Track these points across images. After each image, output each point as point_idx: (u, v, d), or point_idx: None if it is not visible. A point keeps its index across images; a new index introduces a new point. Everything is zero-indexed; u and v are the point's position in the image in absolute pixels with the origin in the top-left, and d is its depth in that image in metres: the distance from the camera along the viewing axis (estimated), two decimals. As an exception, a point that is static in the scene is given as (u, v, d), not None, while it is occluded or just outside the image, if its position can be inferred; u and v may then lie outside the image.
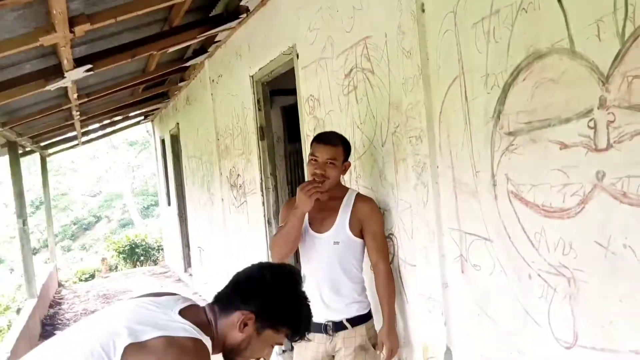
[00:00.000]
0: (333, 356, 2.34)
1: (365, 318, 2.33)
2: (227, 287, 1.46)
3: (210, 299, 1.49)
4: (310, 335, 2.34)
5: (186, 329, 1.30)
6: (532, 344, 1.65)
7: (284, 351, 4.14)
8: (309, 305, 1.45)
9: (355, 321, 2.30)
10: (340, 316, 2.29)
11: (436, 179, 2.04)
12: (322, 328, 2.30)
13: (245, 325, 1.36)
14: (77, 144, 9.49)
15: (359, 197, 2.35)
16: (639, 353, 1.31)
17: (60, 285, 9.66)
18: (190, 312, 1.37)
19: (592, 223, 1.41)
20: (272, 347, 1.44)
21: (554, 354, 1.56)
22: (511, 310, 1.72)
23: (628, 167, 1.30)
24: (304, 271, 2.41)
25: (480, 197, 1.82)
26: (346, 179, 2.69)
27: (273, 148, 4.14)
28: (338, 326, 2.29)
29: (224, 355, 1.43)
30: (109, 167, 23.57)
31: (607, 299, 1.39)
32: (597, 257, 1.40)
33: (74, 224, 22.48)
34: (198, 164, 6.39)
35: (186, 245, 8.07)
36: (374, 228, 2.30)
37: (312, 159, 2.30)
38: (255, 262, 1.51)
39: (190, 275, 7.84)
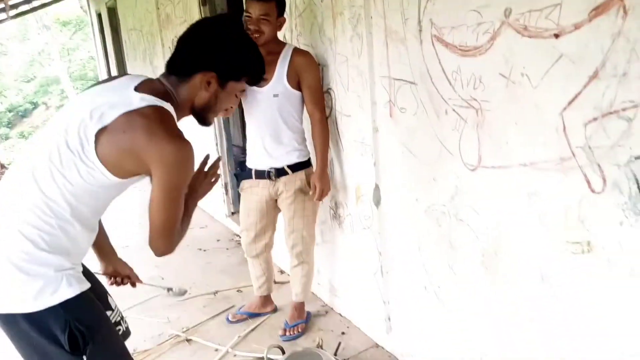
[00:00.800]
0: (276, 200, 2.58)
1: (305, 165, 2.54)
2: (176, 55, 1.49)
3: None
4: (255, 182, 2.56)
5: (143, 99, 1.35)
6: (445, 171, 1.90)
7: (232, 213, 4.41)
8: (256, 46, 1.55)
9: (296, 167, 2.51)
10: (282, 163, 2.49)
11: (370, 29, 2.16)
12: (266, 174, 2.51)
13: (209, 83, 1.47)
14: (6, 19, 8.87)
15: (296, 50, 2.46)
16: (526, 165, 1.57)
17: (3, 167, 9.50)
18: (145, 85, 1.42)
19: (498, 57, 1.59)
20: (238, 97, 1.57)
21: (462, 176, 1.83)
22: (430, 144, 1.95)
23: (530, 2, 1.46)
24: (248, 124, 2.56)
25: (408, 43, 1.97)
26: (287, 37, 2.78)
27: (216, 14, 4.08)
28: (280, 172, 2.50)
29: (195, 116, 1.54)
30: (41, 50, 22.11)
31: (505, 123, 1.62)
32: (500, 88, 1.61)
33: (9, 111, 21.40)
34: (139, 37, 6.20)
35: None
36: (310, 80, 2.43)
37: (246, 16, 2.36)
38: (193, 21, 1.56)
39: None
